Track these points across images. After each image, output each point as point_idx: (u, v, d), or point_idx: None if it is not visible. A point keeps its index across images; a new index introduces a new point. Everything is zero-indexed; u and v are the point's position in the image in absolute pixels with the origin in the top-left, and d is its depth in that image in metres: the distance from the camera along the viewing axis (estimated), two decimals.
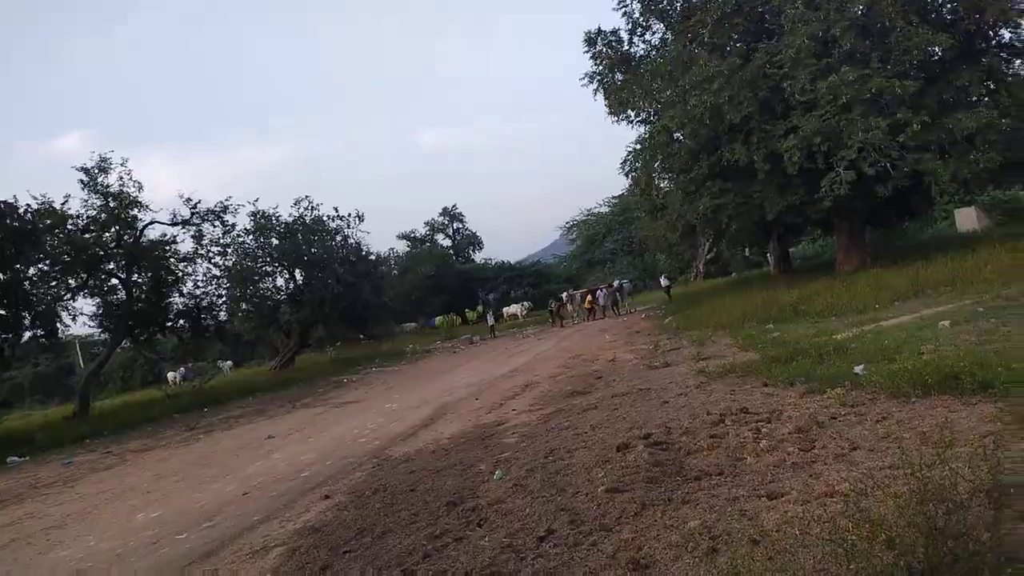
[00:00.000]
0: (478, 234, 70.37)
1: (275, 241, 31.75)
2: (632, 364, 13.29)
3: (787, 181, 19.33)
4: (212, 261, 27.83)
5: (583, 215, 64.25)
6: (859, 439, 5.39)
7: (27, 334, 21.29)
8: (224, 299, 30.12)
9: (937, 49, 18.41)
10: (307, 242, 31.83)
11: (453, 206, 69.47)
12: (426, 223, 69.11)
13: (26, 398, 47.79)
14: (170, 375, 40.67)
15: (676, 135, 21.90)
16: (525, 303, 52.37)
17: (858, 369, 7.81)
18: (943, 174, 17.47)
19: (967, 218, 33.67)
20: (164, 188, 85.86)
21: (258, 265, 31.87)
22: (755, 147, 19.13)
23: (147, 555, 6.26)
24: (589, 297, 35.76)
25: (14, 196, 20.30)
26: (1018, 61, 20.83)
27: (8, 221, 19.23)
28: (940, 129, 17.54)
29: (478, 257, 69.11)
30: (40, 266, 21.39)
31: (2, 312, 19.39)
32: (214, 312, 28.23)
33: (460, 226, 69.93)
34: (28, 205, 20.96)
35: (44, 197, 21.99)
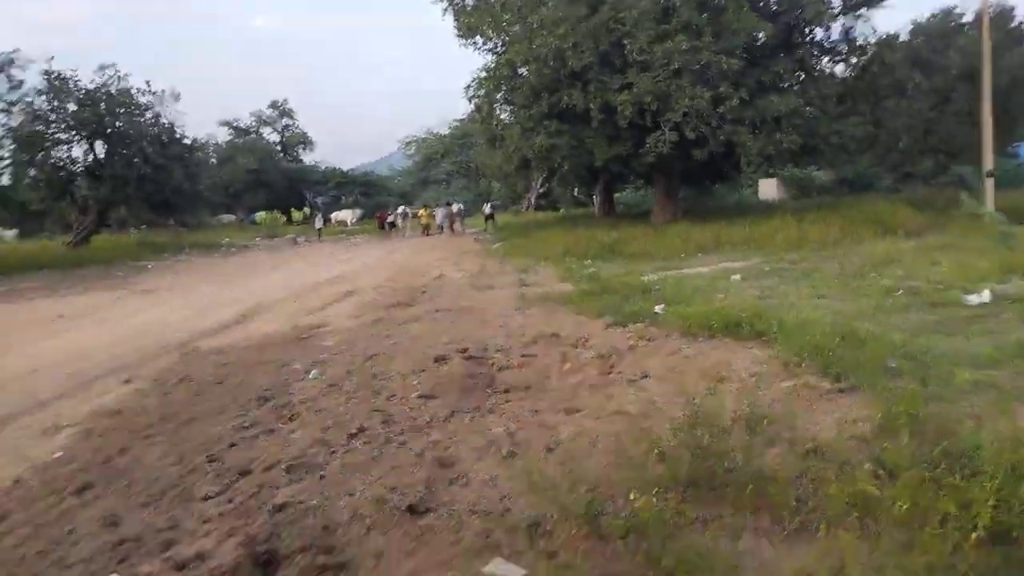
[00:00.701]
0: (309, 135, 66.82)
1: (72, 107, 28.00)
2: (457, 283, 13.61)
3: (617, 133, 20.31)
4: None
5: (424, 133, 63.22)
6: (651, 369, 6.00)
7: None
8: (7, 162, 26.48)
9: (761, 35, 20.07)
10: (111, 113, 28.28)
11: (284, 100, 65.05)
12: (252, 114, 64.30)
13: None
14: None
15: (520, 70, 22.05)
16: (357, 210, 51.17)
17: (658, 308, 8.59)
18: (752, 147, 19.34)
19: (768, 188, 37.47)
20: None
21: (50, 131, 28.07)
22: (592, 96, 19.85)
23: None
24: (424, 211, 35.92)
25: None
26: (825, 58, 23.41)
27: None
28: (754, 108, 19.27)
29: (308, 158, 65.89)
30: None
31: None
32: None
33: (290, 123, 65.75)
34: None
35: None
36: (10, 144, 26.29)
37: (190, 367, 7.31)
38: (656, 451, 3.75)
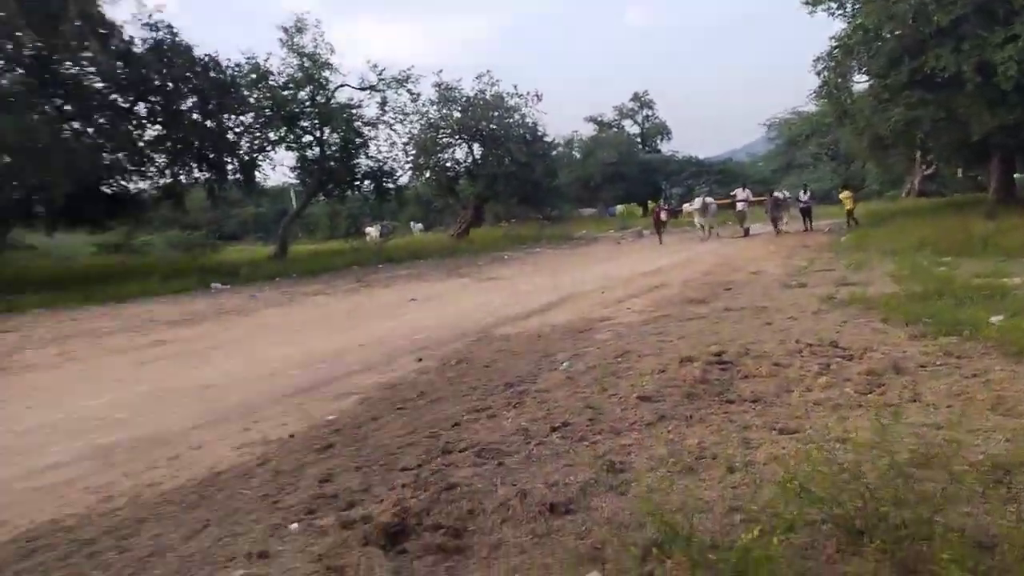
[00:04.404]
0: (668, 123, 67.63)
1: (456, 114, 32.66)
2: (770, 279, 12.74)
3: (1001, 97, 16.42)
4: (393, 128, 29.34)
5: (788, 113, 59.39)
6: (928, 392, 5.01)
7: (231, 179, 24.03)
8: (409, 165, 31.99)
9: None
10: (486, 117, 32.39)
11: (645, 92, 66.93)
12: (615, 108, 67.31)
13: (250, 234, 54.59)
14: (369, 229, 44.53)
15: (883, 33, 19.17)
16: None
17: (995, 318, 7.06)
18: None
19: None
20: (362, 53, 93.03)
21: (439, 136, 33.18)
22: (965, 55, 16.38)
23: (261, 382, 7.38)
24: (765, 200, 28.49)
25: (215, 51, 22.50)
26: None
27: (213, 74, 21.41)
28: None
29: (665, 148, 66.75)
30: (242, 118, 23.80)
31: (212, 155, 21.98)
32: (395, 177, 30.10)
33: (650, 113, 67.44)
34: (229, 59, 23.07)
35: (250, 53, 24.42)
36: (412, 149, 31.67)
37: (474, 350, 8.18)
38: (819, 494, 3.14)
